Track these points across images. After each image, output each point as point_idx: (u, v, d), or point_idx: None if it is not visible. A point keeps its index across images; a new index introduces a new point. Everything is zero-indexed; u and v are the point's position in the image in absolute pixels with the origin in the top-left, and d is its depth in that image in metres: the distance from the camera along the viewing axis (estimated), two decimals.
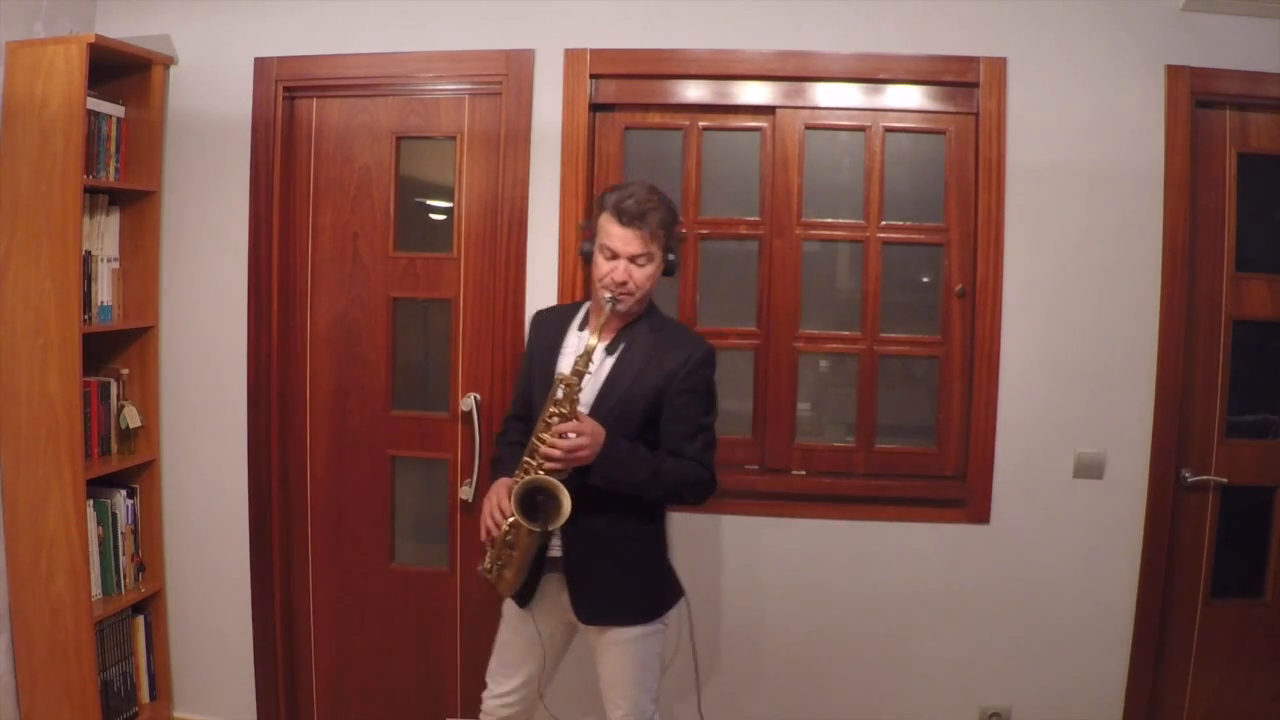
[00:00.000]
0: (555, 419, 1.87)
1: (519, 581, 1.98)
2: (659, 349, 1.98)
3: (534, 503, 1.88)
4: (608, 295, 1.92)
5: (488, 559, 1.99)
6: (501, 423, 2.26)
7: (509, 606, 2.12)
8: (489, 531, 1.95)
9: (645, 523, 2.06)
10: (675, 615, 2.13)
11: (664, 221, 1.95)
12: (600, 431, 1.88)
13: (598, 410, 1.95)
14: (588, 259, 2.01)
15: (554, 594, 2.04)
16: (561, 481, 1.86)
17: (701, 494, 2.01)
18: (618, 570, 2.01)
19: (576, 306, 2.15)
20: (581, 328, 2.06)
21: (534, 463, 1.89)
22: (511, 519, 1.89)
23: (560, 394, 1.87)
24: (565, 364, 1.99)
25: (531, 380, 2.09)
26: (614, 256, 1.93)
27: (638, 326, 2.02)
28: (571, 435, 1.84)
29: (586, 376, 1.90)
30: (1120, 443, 2.51)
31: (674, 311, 2.66)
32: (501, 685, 2.15)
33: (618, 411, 1.95)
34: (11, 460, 2.48)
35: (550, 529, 1.86)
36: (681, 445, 1.97)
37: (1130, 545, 2.52)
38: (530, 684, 2.13)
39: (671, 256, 2.00)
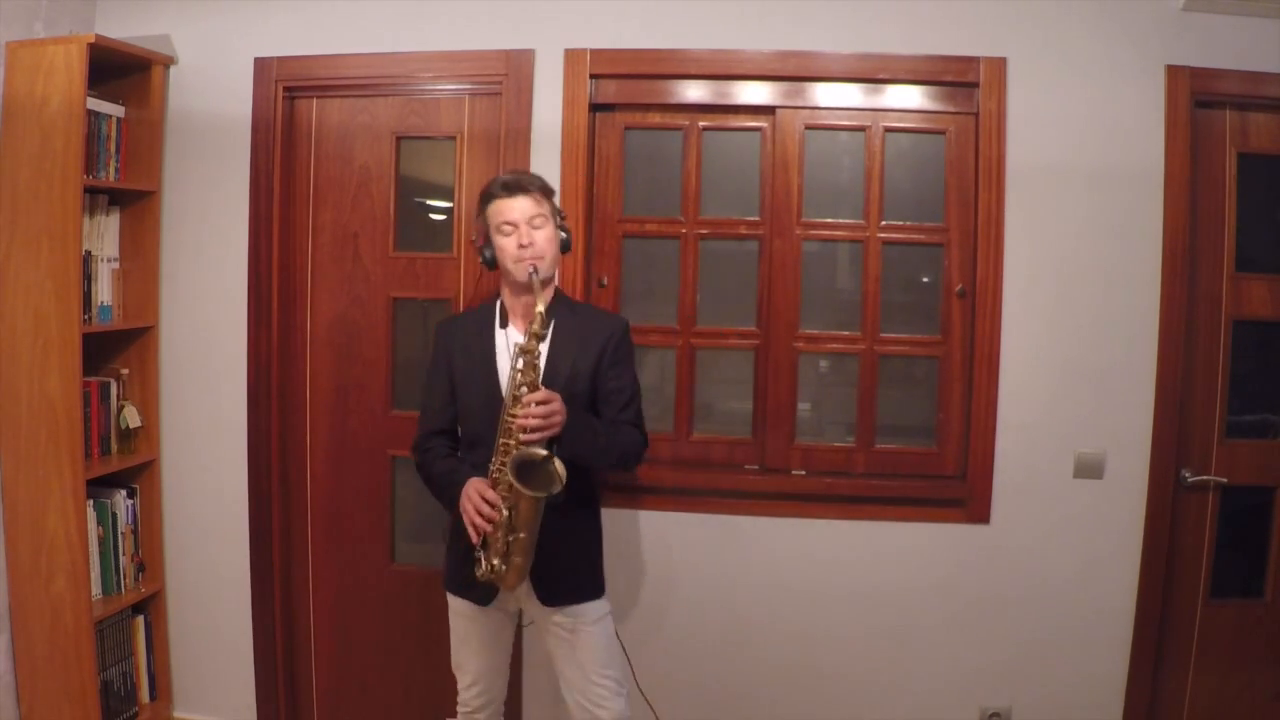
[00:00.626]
0: (523, 389, 1.93)
1: (529, 564, 1.96)
2: (583, 329, 2.09)
3: (526, 479, 1.88)
4: (527, 268, 2.00)
5: (487, 559, 1.96)
6: (414, 449, 2.19)
7: (454, 601, 2.15)
8: (482, 528, 1.93)
9: (586, 504, 2.15)
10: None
11: (544, 188, 2.08)
12: (563, 404, 1.94)
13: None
14: (491, 264, 2.11)
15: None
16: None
17: (641, 456, 2.14)
18: (570, 551, 2.08)
19: (485, 309, 2.18)
20: (504, 325, 2.11)
21: (511, 443, 1.92)
22: (508, 503, 1.90)
23: (522, 364, 1.94)
24: (504, 362, 2.05)
25: (460, 386, 2.12)
26: (514, 228, 2.02)
27: (557, 310, 2.10)
28: (547, 405, 1.90)
29: (541, 348, 1.99)
30: (1120, 443, 2.51)
31: (674, 311, 2.67)
32: (465, 678, 2.19)
33: (566, 392, 1.99)
34: (11, 460, 2.48)
35: (555, 493, 1.88)
36: (619, 413, 2.09)
37: (1130, 545, 2.52)
38: (490, 674, 2.19)
39: (564, 233, 2.11)
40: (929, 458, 2.63)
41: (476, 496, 1.94)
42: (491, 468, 1.96)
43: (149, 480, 2.74)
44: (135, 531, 2.72)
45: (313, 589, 2.84)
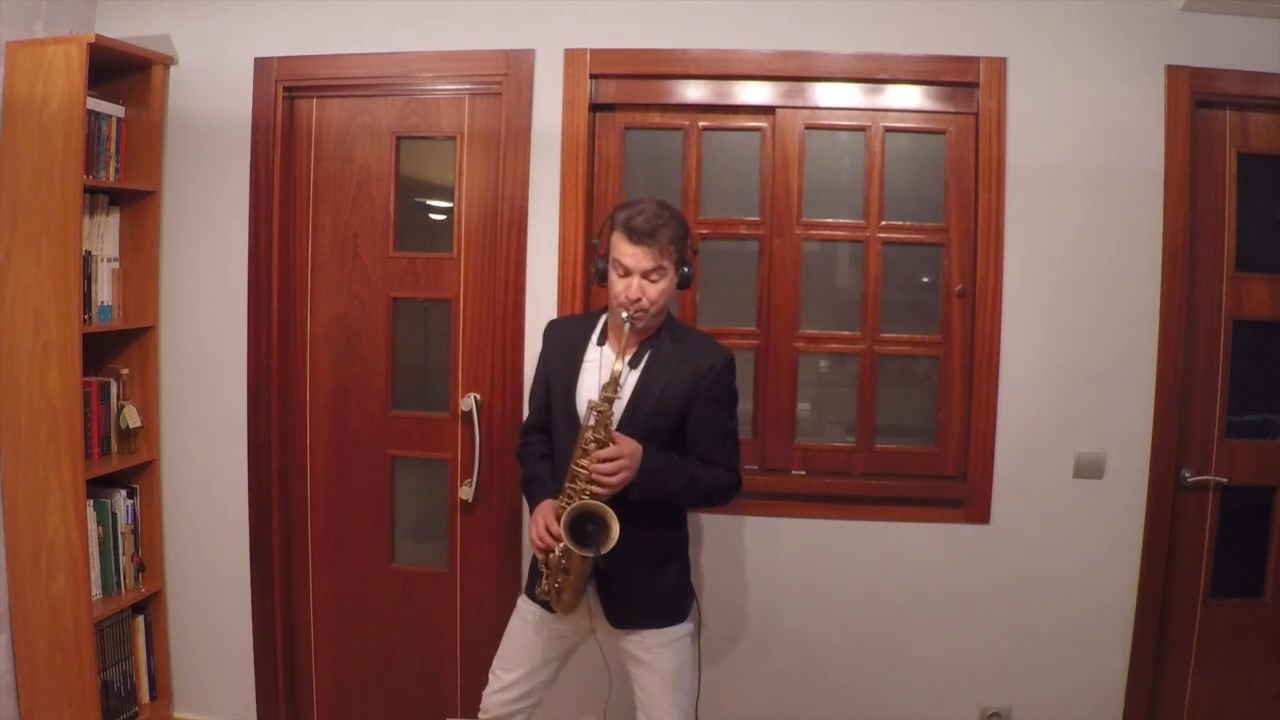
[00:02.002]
0: (593, 445, 1.90)
1: (578, 600, 1.99)
2: (682, 360, 2.00)
3: (583, 529, 1.89)
4: (625, 314, 1.93)
5: (543, 583, 2.00)
6: (520, 433, 2.26)
7: (526, 606, 2.13)
8: (541, 550, 1.97)
9: (672, 529, 2.10)
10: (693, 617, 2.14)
11: (675, 237, 1.95)
12: (638, 450, 1.92)
13: (628, 422, 1.97)
14: (602, 278, 2.02)
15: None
16: (605, 500, 1.88)
17: (730, 496, 2.07)
18: (647, 575, 2.03)
19: (592, 318, 2.15)
20: (601, 341, 2.07)
21: (577, 488, 1.91)
22: (562, 545, 1.90)
23: (594, 420, 1.90)
24: (588, 379, 2.02)
25: (551, 392, 2.10)
26: (627, 274, 1.94)
27: (659, 338, 2.04)
28: (614, 462, 1.87)
29: (632, 376, 1.96)
30: (1120, 443, 2.51)
31: (674, 311, 2.66)
32: (503, 679, 2.13)
33: (648, 424, 1.97)
34: (11, 460, 2.48)
35: (602, 554, 1.86)
36: (710, 452, 2.02)
37: (1130, 545, 2.52)
38: (533, 681, 2.13)
39: (686, 269, 2.01)
40: (929, 458, 2.63)
41: (542, 522, 1.95)
42: (560, 498, 1.95)
43: (149, 480, 2.74)
44: (135, 531, 2.72)
45: (313, 589, 2.84)
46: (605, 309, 2.12)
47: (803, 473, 2.65)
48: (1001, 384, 2.52)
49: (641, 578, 2.02)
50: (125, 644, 2.69)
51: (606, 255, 2.00)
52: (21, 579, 2.51)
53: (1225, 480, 2.55)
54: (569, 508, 1.89)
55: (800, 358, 2.65)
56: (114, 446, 2.67)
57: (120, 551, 2.65)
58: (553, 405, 2.09)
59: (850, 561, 2.61)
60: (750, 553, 2.63)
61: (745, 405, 2.68)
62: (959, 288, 2.58)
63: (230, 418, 2.73)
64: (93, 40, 2.38)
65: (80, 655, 2.48)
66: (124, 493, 2.67)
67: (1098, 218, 2.48)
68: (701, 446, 2.02)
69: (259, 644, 2.79)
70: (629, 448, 1.90)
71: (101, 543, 2.59)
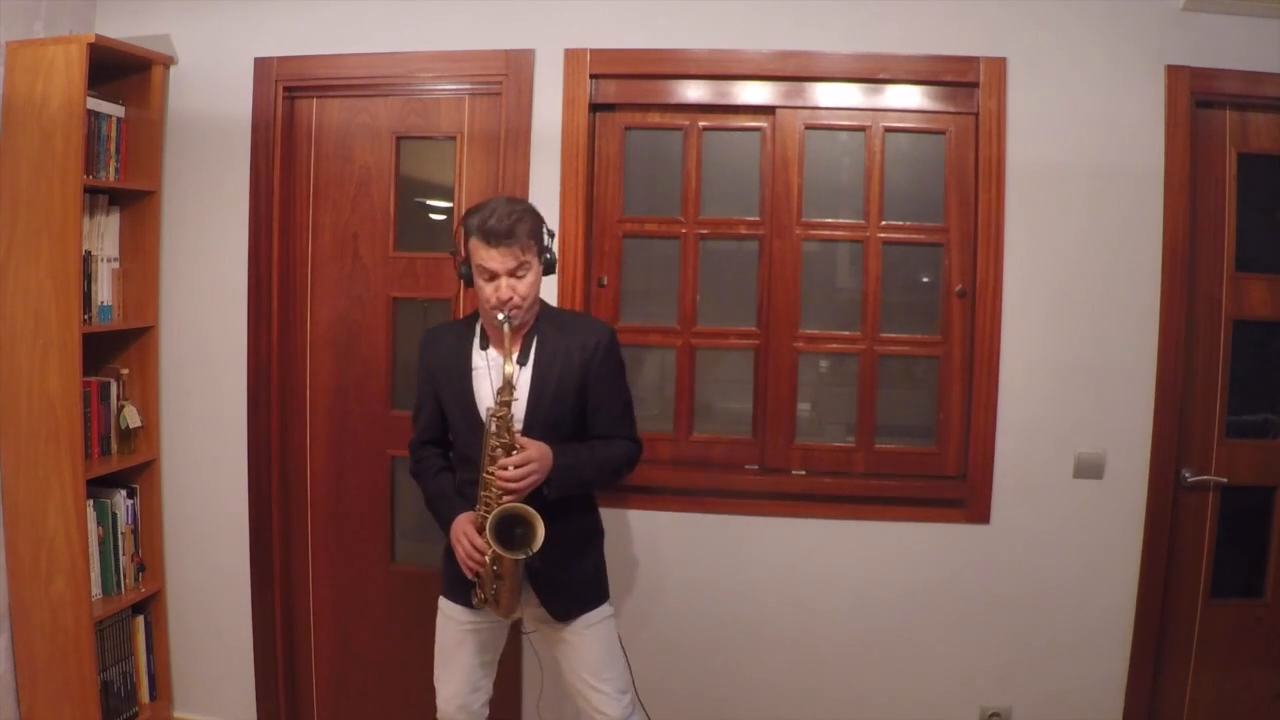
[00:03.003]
0: (499, 452, 1.90)
1: (516, 602, 2.02)
2: (567, 344, 2.03)
3: (509, 533, 1.90)
4: (500, 316, 1.91)
5: (479, 592, 2.02)
6: (410, 451, 2.21)
7: (450, 607, 2.13)
8: (472, 570, 1.98)
9: (586, 513, 2.14)
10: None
11: (532, 230, 1.95)
12: (546, 451, 1.92)
13: (532, 419, 1.98)
14: (467, 282, 2.01)
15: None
16: (522, 502, 1.90)
17: (633, 465, 2.13)
18: (575, 563, 2.07)
19: (468, 323, 2.13)
20: (484, 346, 2.05)
21: (492, 494, 1.91)
22: (490, 558, 1.91)
23: (494, 426, 1.90)
24: (481, 386, 2.01)
25: (444, 405, 2.09)
26: (493, 277, 1.92)
27: (540, 328, 2.05)
28: (523, 467, 1.88)
29: (524, 373, 1.97)
30: (1120, 443, 2.51)
31: (674, 311, 2.67)
32: (451, 688, 2.14)
33: (553, 416, 1.99)
34: (11, 460, 2.48)
35: (532, 553, 1.87)
36: (612, 427, 2.07)
37: (1130, 545, 2.52)
38: (480, 684, 2.15)
39: (548, 256, 2.03)
40: (929, 458, 2.63)
41: (466, 541, 1.96)
42: (478, 508, 1.95)
43: (149, 480, 2.74)
44: (135, 531, 2.72)
45: (313, 589, 2.84)
46: (475, 314, 2.12)
47: (803, 473, 2.65)
48: (1001, 384, 2.51)
49: (571, 566, 2.05)
50: (125, 644, 2.69)
51: (468, 260, 1.97)
52: (21, 579, 2.51)
53: (1225, 480, 2.55)
54: (490, 516, 1.89)
55: (800, 358, 2.65)
56: (114, 446, 2.67)
57: (120, 551, 2.65)
58: (451, 418, 2.08)
59: (850, 561, 2.61)
60: (750, 553, 2.63)
61: (745, 405, 2.69)
62: (959, 288, 2.57)
63: (230, 418, 2.73)
64: (93, 40, 2.38)
65: (80, 655, 2.48)
66: (124, 493, 2.67)
67: (1098, 218, 2.48)
68: (602, 422, 2.05)
69: (259, 644, 2.79)
70: (537, 451, 1.91)
71: (101, 543, 2.59)
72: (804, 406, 2.69)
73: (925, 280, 2.64)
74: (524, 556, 1.88)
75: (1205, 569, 2.58)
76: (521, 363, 1.99)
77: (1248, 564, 2.60)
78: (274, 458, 2.75)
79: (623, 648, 2.16)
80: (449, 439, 2.16)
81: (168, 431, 2.77)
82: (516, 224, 1.92)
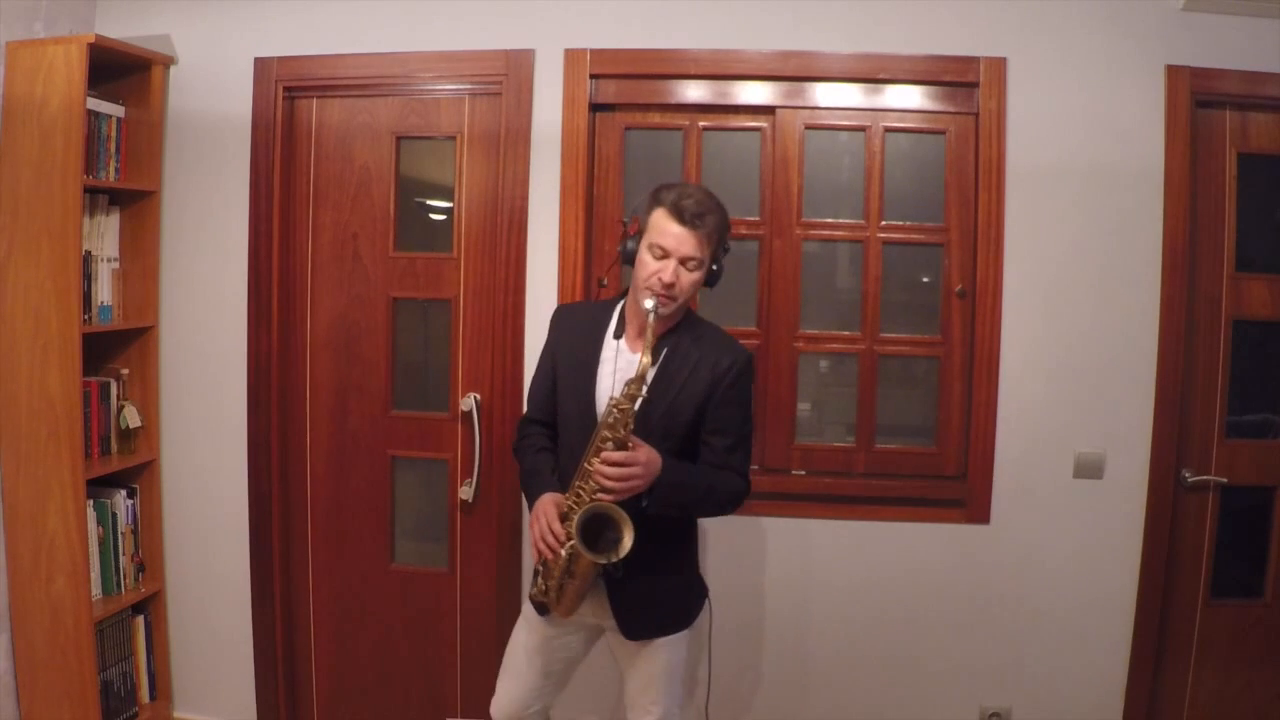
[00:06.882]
0: (609, 445, 1.77)
1: (577, 605, 1.90)
2: (701, 357, 1.89)
3: (595, 533, 1.79)
4: (650, 301, 1.79)
5: (540, 582, 1.90)
6: (517, 426, 2.13)
7: (533, 614, 2.03)
8: (544, 554, 1.84)
9: (683, 539, 2.02)
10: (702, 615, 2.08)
11: (719, 226, 1.85)
12: (656, 459, 1.79)
13: (643, 421, 1.82)
14: (629, 258, 1.88)
15: (588, 604, 1.94)
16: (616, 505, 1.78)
17: (739, 503, 1.95)
18: (661, 586, 1.95)
19: (606, 307, 2.01)
20: (618, 334, 1.94)
21: (587, 488, 1.79)
22: (570, 546, 1.79)
23: (613, 419, 1.77)
24: (604, 375, 1.90)
25: (561, 387, 1.98)
26: (664, 256, 1.81)
27: (678, 334, 1.91)
28: (626, 468, 1.76)
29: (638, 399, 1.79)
30: (1120, 443, 2.51)
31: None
32: (508, 690, 2.08)
33: (664, 424, 1.86)
34: (11, 460, 2.48)
35: (615, 562, 1.76)
36: (725, 457, 1.90)
37: (1130, 545, 2.52)
38: (538, 692, 2.07)
39: (715, 267, 1.89)
40: (929, 458, 2.63)
41: (545, 522, 1.83)
42: (569, 496, 1.84)
43: (149, 480, 2.74)
44: (135, 531, 2.72)
45: (313, 589, 2.84)
46: (618, 298, 2.01)
47: (803, 473, 2.65)
48: (1001, 384, 2.52)
49: (656, 589, 1.93)
50: (125, 644, 2.69)
51: (639, 235, 1.86)
52: (21, 579, 2.51)
53: (1225, 480, 2.55)
54: (581, 509, 1.77)
55: (800, 358, 2.65)
56: (114, 446, 2.66)
57: (120, 551, 2.65)
58: (562, 401, 1.96)
59: (850, 561, 2.61)
60: (750, 553, 2.63)
61: None
62: (959, 288, 2.58)
63: (230, 418, 2.73)
64: (93, 40, 2.38)
65: (80, 655, 2.48)
66: (124, 493, 2.67)
67: (1098, 218, 2.48)
68: (715, 450, 1.90)
69: (259, 644, 2.79)
70: (646, 456, 1.78)
71: (101, 543, 2.59)
72: (804, 406, 2.69)
73: (925, 280, 2.64)
74: (605, 562, 1.76)
75: (1205, 569, 2.58)
76: (650, 362, 1.83)
77: (1248, 564, 2.60)
78: (274, 458, 2.75)
79: (709, 669, 2.06)
80: (557, 424, 2.02)
81: (168, 432, 2.77)
82: (709, 213, 1.82)
